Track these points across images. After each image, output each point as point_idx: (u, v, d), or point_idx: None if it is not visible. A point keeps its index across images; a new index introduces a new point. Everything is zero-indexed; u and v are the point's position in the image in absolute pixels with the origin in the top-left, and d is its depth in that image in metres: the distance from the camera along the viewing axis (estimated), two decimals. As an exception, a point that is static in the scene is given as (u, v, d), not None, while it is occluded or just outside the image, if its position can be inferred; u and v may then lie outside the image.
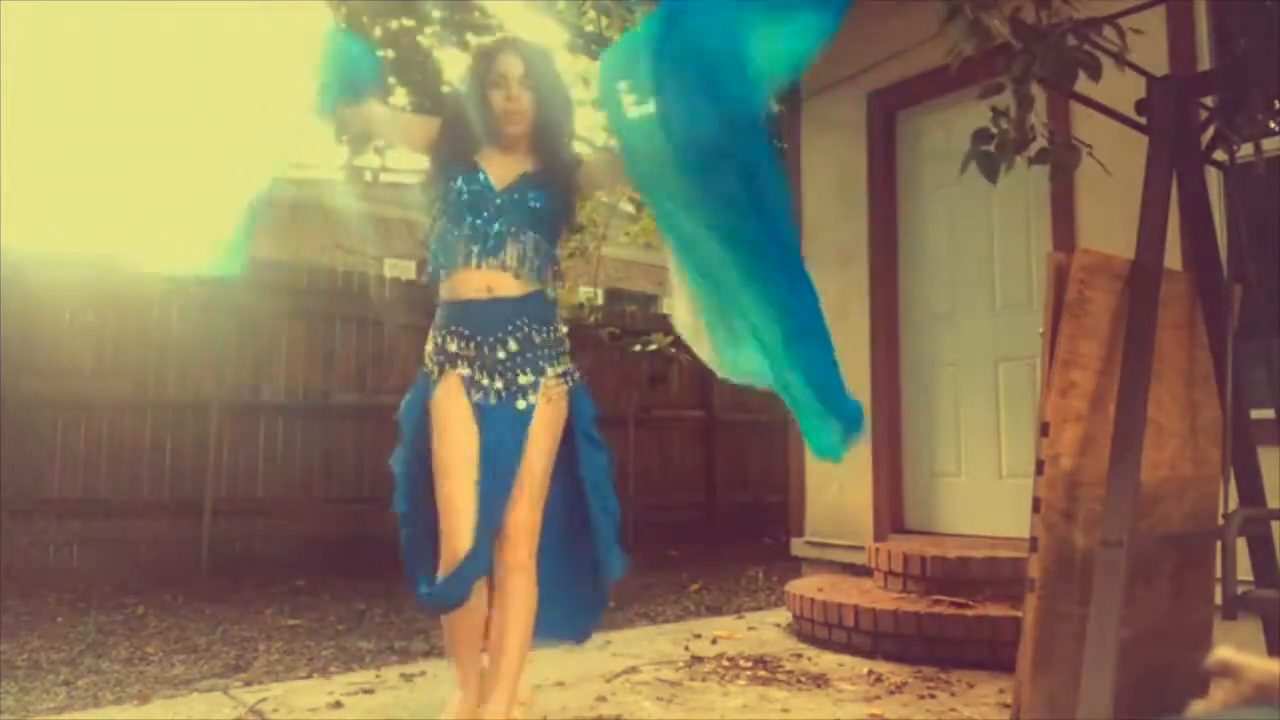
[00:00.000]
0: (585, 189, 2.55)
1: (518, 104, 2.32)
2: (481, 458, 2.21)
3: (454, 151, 2.33)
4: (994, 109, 2.76)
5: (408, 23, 6.18)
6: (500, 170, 2.34)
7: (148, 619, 4.70)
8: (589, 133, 9.02)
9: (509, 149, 2.38)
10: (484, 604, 2.30)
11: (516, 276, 2.27)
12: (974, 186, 4.35)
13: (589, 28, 7.82)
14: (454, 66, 6.38)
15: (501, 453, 2.21)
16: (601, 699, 3.19)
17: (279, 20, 2.06)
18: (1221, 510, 2.41)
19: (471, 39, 6.81)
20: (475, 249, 2.25)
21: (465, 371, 2.25)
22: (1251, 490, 2.48)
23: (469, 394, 2.24)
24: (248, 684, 3.49)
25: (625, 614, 5.00)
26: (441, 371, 2.28)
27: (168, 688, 3.46)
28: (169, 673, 3.69)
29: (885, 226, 4.98)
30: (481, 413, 2.24)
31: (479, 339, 2.25)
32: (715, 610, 5.13)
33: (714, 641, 4.13)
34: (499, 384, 2.24)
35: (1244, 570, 2.37)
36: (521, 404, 2.24)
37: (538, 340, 2.29)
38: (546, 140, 2.39)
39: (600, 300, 10.49)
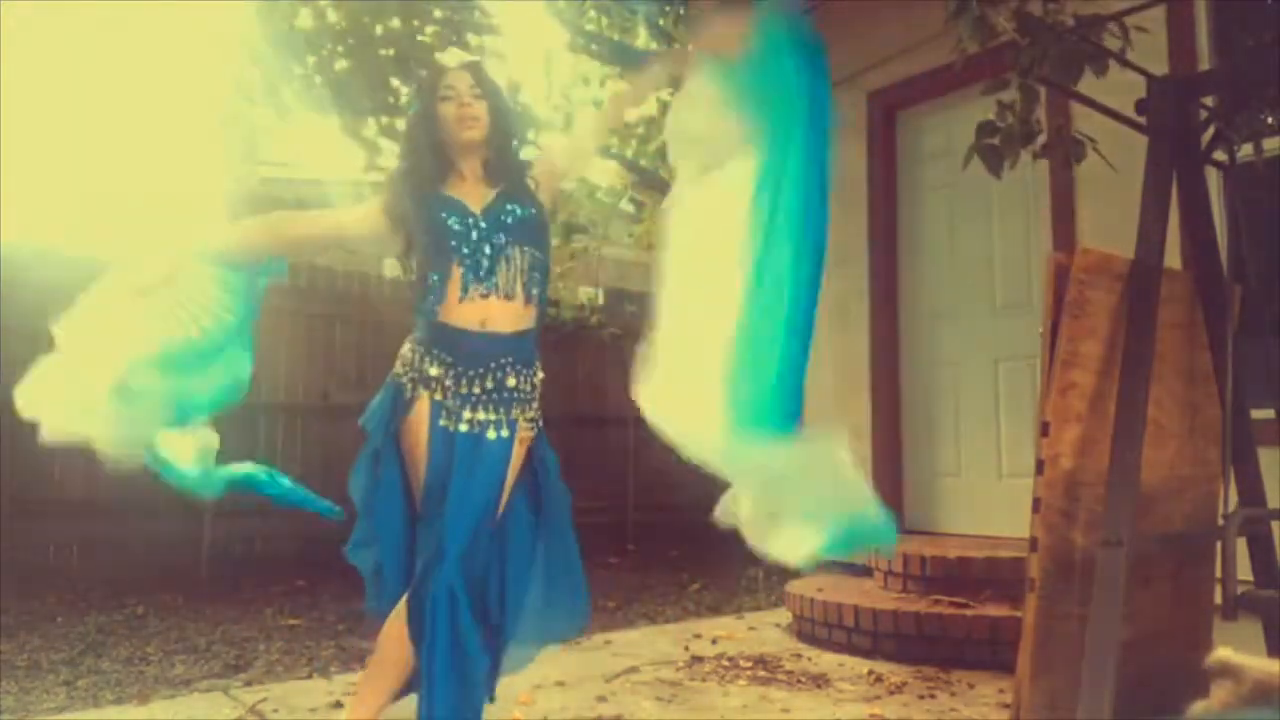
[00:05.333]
0: (549, 180, 2.44)
1: (471, 109, 2.28)
2: (449, 483, 2.15)
3: (418, 189, 2.27)
4: (999, 103, 2.76)
5: (414, 22, 6.20)
6: (472, 195, 2.29)
7: (148, 619, 4.70)
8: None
9: (470, 174, 2.33)
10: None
11: (509, 299, 2.22)
12: (974, 186, 4.36)
13: (589, 27, 7.82)
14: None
15: (473, 484, 2.16)
16: (601, 699, 3.19)
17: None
18: (1221, 510, 2.41)
19: (472, 39, 6.82)
20: (469, 280, 2.19)
21: (439, 397, 2.19)
22: (1251, 490, 2.48)
23: (436, 419, 2.19)
24: (248, 684, 3.49)
25: (625, 614, 5.00)
26: (414, 390, 2.22)
27: (168, 688, 3.46)
28: (169, 673, 3.69)
29: (885, 226, 4.98)
30: (449, 439, 2.18)
31: (460, 369, 2.19)
32: (715, 610, 5.13)
33: (714, 641, 4.13)
34: (476, 415, 2.19)
35: (1244, 570, 2.36)
36: (492, 434, 2.19)
37: (515, 383, 2.23)
38: (503, 157, 2.35)
39: (601, 300, 10.49)
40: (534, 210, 2.31)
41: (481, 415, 2.19)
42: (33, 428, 2.11)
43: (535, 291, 2.27)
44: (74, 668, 3.74)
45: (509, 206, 2.27)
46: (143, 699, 3.30)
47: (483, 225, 2.23)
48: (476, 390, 2.19)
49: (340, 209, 2.47)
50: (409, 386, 2.23)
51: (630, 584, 6.00)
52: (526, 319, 2.27)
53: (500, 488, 2.21)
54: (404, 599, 2.18)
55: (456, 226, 2.21)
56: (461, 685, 2.12)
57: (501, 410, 2.21)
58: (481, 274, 2.20)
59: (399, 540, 2.28)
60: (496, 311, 2.21)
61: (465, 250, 2.20)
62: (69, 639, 4.22)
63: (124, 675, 3.64)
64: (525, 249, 2.25)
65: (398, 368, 2.29)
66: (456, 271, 2.19)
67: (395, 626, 2.17)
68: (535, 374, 2.30)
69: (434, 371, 2.21)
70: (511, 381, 2.22)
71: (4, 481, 5.34)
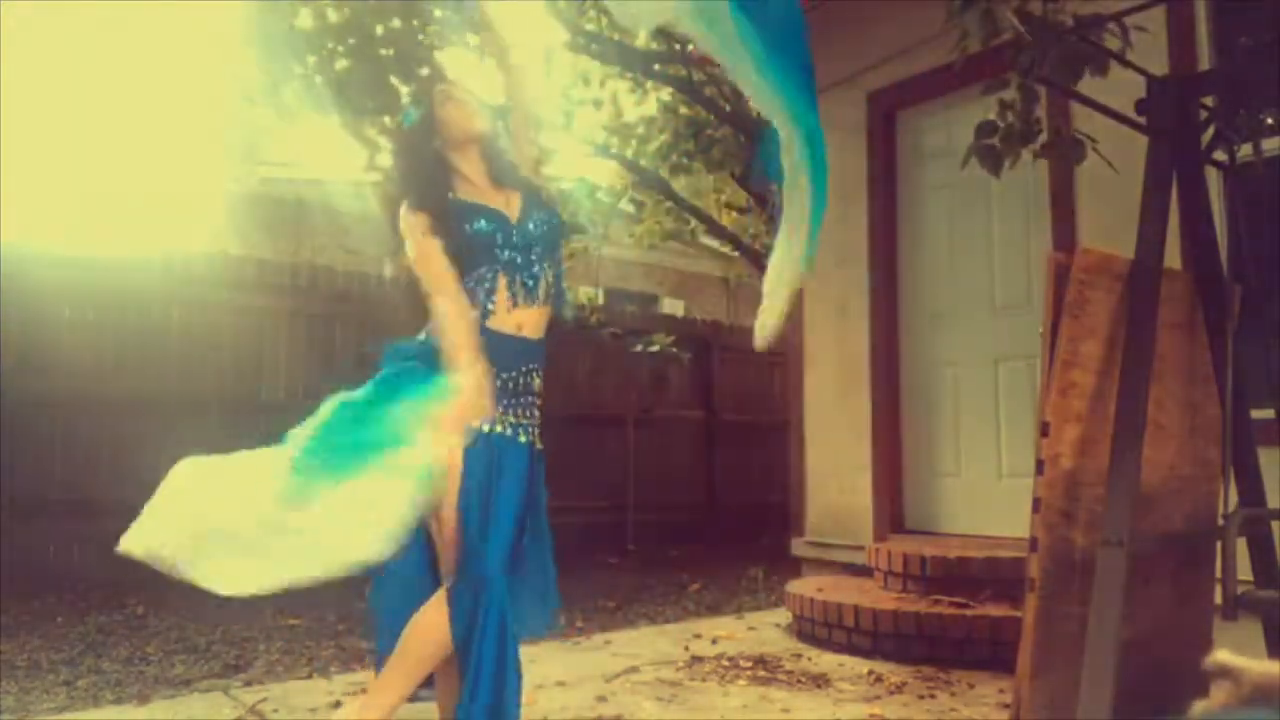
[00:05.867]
0: (526, 152, 2.49)
1: (471, 103, 2.35)
2: (491, 490, 2.15)
3: (441, 202, 2.27)
4: (1001, 102, 2.77)
5: (414, 22, 6.19)
6: (499, 202, 2.31)
7: (148, 619, 4.71)
8: (590, 132, 9.04)
9: (477, 178, 2.34)
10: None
11: (544, 307, 2.28)
12: (974, 187, 4.37)
13: (589, 27, 7.81)
14: (454, 67, 6.38)
15: (510, 490, 2.17)
16: (601, 699, 3.19)
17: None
18: (1221, 510, 2.41)
19: (472, 39, 6.81)
20: (517, 291, 2.23)
21: None
22: (1251, 490, 2.48)
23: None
24: (248, 684, 3.49)
25: (625, 614, 5.00)
26: None
27: (168, 688, 3.46)
28: (169, 673, 3.69)
29: (885, 226, 4.98)
30: (488, 442, 2.17)
31: (494, 371, 2.20)
32: (715, 610, 5.13)
33: (714, 641, 4.13)
34: (508, 418, 2.21)
35: (1244, 570, 2.36)
36: (523, 438, 2.24)
37: (537, 386, 2.30)
38: (501, 158, 2.39)
39: (601, 300, 10.49)
40: (557, 219, 2.39)
41: (513, 418, 2.23)
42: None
43: (555, 296, 2.33)
44: (74, 668, 3.74)
45: (539, 215, 2.32)
46: (143, 699, 3.30)
47: (527, 230, 2.27)
48: (511, 394, 2.23)
49: (451, 295, 2.24)
50: None
51: (630, 584, 6.00)
52: (545, 324, 2.32)
53: (529, 491, 2.24)
54: (437, 596, 2.14)
55: (500, 238, 2.24)
56: (499, 705, 2.10)
57: (528, 413, 2.27)
58: (530, 285, 2.25)
59: (408, 539, 2.28)
60: (532, 318, 2.26)
61: (504, 259, 2.23)
62: (69, 639, 4.22)
63: (124, 675, 3.64)
64: (553, 257, 2.33)
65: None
66: (503, 280, 2.23)
67: (428, 617, 2.13)
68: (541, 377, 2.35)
69: None
70: (537, 385, 2.29)
71: (4, 481, 5.34)
